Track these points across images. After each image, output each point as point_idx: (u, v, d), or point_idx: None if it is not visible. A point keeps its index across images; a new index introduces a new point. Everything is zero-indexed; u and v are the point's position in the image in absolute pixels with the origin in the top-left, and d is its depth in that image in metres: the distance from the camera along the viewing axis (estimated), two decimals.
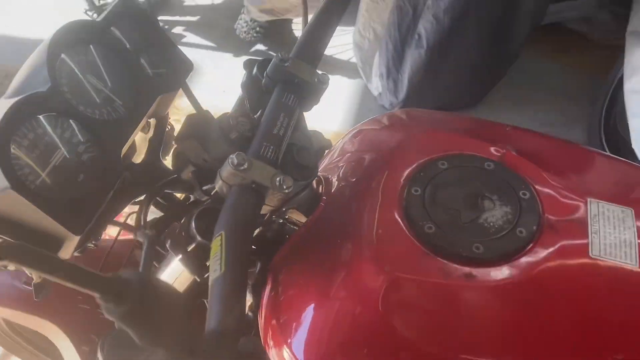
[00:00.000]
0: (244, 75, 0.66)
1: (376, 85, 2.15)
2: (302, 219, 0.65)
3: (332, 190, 0.65)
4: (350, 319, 0.54)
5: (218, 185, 0.52)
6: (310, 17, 0.69)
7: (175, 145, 0.67)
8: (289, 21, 2.46)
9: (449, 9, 1.79)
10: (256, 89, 0.64)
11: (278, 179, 0.51)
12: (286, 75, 0.60)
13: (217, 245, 0.45)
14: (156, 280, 0.45)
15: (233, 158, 0.50)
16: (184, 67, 0.68)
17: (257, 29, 2.30)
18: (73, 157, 0.57)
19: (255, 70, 0.64)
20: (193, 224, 0.63)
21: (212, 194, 0.66)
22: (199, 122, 0.61)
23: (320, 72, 0.62)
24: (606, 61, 2.04)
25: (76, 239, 0.56)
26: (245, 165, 0.50)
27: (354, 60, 2.32)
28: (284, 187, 0.51)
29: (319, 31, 0.65)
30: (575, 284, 0.52)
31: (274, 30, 2.37)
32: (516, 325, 0.51)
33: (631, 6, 1.87)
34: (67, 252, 0.58)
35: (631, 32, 1.83)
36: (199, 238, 0.63)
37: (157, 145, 0.71)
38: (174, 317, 0.39)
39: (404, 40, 1.95)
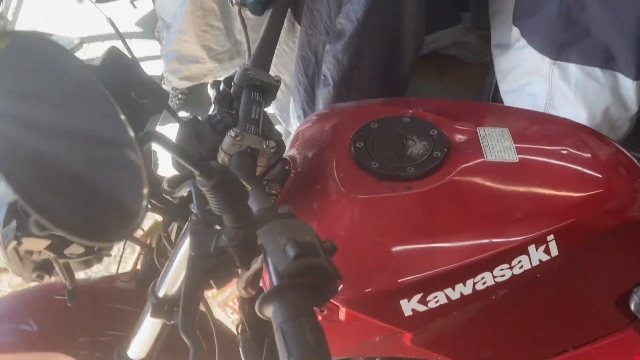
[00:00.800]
0: (214, 93, 0.87)
1: (295, 126, 2.40)
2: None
3: (298, 163, 0.86)
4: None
5: (220, 157, 0.71)
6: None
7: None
8: (205, 84, 2.70)
9: (345, 50, 2.08)
10: (227, 99, 0.85)
11: (265, 142, 0.71)
12: (250, 80, 0.81)
13: None
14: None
15: (231, 132, 0.69)
16: (163, 94, 0.87)
17: (179, 96, 2.50)
18: None
19: (222, 85, 0.85)
20: None
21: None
22: (193, 126, 0.80)
23: (272, 74, 0.84)
24: (480, 76, 2.43)
25: None
26: (240, 137, 0.70)
27: (271, 111, 2.57)
28: (270, 147, 0.71)
29: (267, 44, 0.88)
30: (479, 177, 0.76)
31: (193, 95, 2.58)
32: (445, 213, 0.74)
33: (491, 26, 2.28)
34: None
35: (494, 45, 2.22)
36: None
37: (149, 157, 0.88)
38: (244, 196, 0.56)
39: (312, 83, 2.22)
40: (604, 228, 0.73)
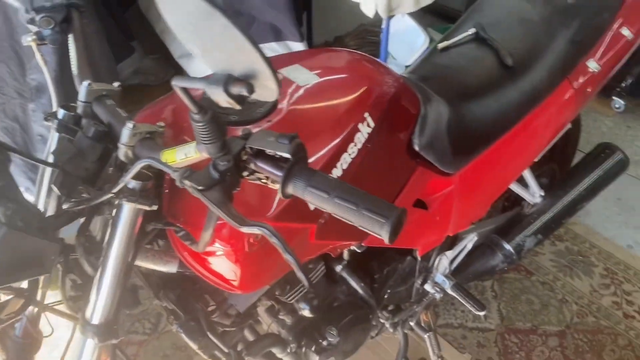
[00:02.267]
0: (53, 122, 0.88)
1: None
2: None
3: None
4: None
5: (122, 152, 0.78)
6: None
7: None
8: None
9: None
10: (72, 122, 0.88)
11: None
12: (97, 92, 0.87)
13: None
14: None
15: (128, 124, 0.77)
16: None
17: None
18: None
19: (62, 112, 0.88)
20: None
21: None
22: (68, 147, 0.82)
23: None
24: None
25: None
26: (137, 127, 0.79)
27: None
28: (163, 126, 0.82)
29: (86, 59, 0.93)
30: (306, 95, 1.01)
31: None
32: (305, 124, 0.96)
33: (166, 44, 2.51)
34: None
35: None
36: None
37: None
38: None
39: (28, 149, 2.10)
40: (386, 98, 1.06)
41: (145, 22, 2.61)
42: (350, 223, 0.63)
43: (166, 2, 0.57)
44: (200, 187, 0.64)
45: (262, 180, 0.70)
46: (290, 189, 0.64)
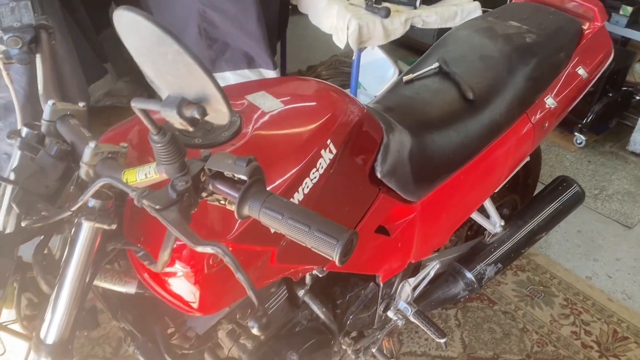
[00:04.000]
0: (16, 141, 0.89)
1: None
2: None
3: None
4: None
5: (84, 171, 0.79)
6: None
7: None
8: None
9: None
10: (35, 140, 0.89)
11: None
12: (61, 112, 0.88)
13: None
14: None
15: (90, 144, 0.78)
16: None
17: None
18: None
19: (25, 130, 0.89)
20: None
21: None
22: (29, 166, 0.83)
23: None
24: None
25: None
26: (99, 147, 0.80)
27: None
28: (125, 146, 0.83)
29: (53, 80, 0.94)
30: (270, 121, 1.03)
31: None
32: (267, 150, 0.99)
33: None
34: None
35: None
36: None
37: None
38: None
39: None
40: (349, 125, 1.09)
41: (119, 44, 2.61)
42: (303, 245, 0.65)
43: (123, 27, 0.59)
44: (157, 207, 0.65)
45: (221, 202, 0.71)
46: (245, 210, 0.66)
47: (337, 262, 0.62)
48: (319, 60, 3.21)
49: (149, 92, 2.73)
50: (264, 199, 0.65)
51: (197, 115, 0.55)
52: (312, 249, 0.64)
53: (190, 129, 0.57)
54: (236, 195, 0.66)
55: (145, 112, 0.61)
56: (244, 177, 0.66)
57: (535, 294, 2.11)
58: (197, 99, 0.55)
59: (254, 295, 0.60)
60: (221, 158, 0.68)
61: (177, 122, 0.56)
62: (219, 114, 0.57)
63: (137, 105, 0.59)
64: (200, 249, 0.65)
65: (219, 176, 0.68)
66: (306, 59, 3.27)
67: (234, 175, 0.67)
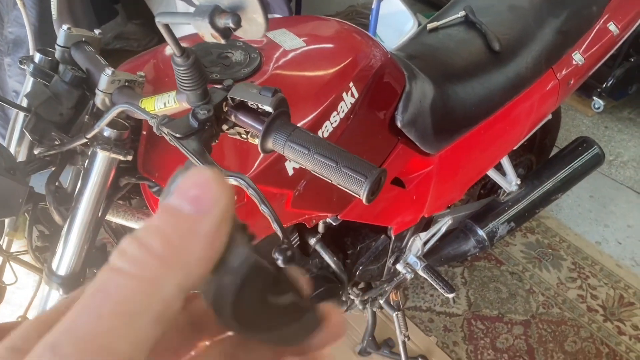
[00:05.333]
0: (29, 67, 0.85)
1: None
2: None
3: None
4: None
5: (99, 99, 0.76)
6: None
7: None
8: None
9: None
10: (48, 67, 0.85)
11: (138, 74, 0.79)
12: (75, 37, 0.85)
13: None
14: None
15: (106, 71, 0.75)
16: None
17: None
18: None
19: (38, 56, 0.85)
20: None
21: None
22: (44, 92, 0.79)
23: None
24: None
25: None
26: (116, 74, 0.76)
27: None
28: (143, 75, 0.80)
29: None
30: (291, 60, 0.99)
31: None
32: (288, 89, 0.95)
33: (148, 5, 2.45)
34: None
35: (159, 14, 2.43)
36: None
37: None
38: None
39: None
40: (372, 70, 1.06)
41: None
42: (329, 181, 0.62)
43: None
44: (177, 135, 0.62)
45: (242, 135, 0.68)
46: (269, 144, 0.63)
47: (364, 200, 0.60)
48: (335, 11, 3.12)
49: (160, 37, 2.65)
50: (289, 132, 0.62)
51: (231, 24, 0.52)
52: (339, 186, 0.62)
53: (222, 41, 0.53)
54: (260, 127, 0.63)
55: (170, 31, 0.57)
56: (268, 109, 0.62)
57: (544, 257, 2.10)
58: (232, 8, 0.51)
59: (279, 228, 0.58)
60: (245, 87, 0.64)
61: (208, 34, 0.53)
62: (253, 24, 0.53)
63: (162, 20, 0.55)
64: None
65: (242, 107, 0.65)
66: (322, 9, 3.17)
67: (258, 107, 0.63)
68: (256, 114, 0.64)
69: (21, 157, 0.86)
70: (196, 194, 0.17)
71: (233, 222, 0.20)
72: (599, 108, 2.84)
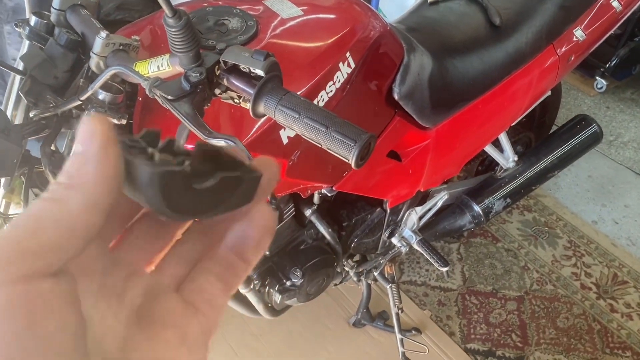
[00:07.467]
0: (25, 29, 0.85)
1: None
2: None
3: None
4: None
5: (94, 62, 0.76)
6: None
7: None
8: None
9: None
10: (43, 30, 0.85)
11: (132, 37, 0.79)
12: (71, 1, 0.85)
13: None
14: None
15: (101, 34, 0.75)
16: None
17: None
18: None
19: (34, 19, 0.85)
20: None
21: None
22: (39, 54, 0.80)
23: None
24: None
25: None
26: (110, 37, 0.77)
27: None
28: (137, 39, 0.80)
29: None
30: (288, 28, 0.99)
31: None
32: (283, 56, 0.95)
33: None
34: None
35: None
36: None
37: None
38: None
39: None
40: (370, 40, 1.05)
41: None
42: (319, 145, 0.63)
43: None
44: (169, 97, 0.63)
45: (235, 100, 0.69)
46: (261, 108, 0.64)
47: (353, 165, 0.60)
48: None
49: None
50: (280, 96, 0.63)
51: None
52: (329, 151, 0.62)
53: None
54: (251, 91, 0.63)
55: None
56: (260, 72, 0.63)
57: (540, 234, 2.11)
58: None
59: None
60: (237, 51, 0.65)
61: None
62: None
63: None
64: (213, 141, 0.63)
65: (234, 70, 0.65)
66: None
67: (250, 71, 0.64)
68: (248, 77, 0.64)
69: (18, 121, 0.87)
70: (81, 136, 0.23)
71: (127, 145, 0.25)
72: (601, 88, 2.83)
